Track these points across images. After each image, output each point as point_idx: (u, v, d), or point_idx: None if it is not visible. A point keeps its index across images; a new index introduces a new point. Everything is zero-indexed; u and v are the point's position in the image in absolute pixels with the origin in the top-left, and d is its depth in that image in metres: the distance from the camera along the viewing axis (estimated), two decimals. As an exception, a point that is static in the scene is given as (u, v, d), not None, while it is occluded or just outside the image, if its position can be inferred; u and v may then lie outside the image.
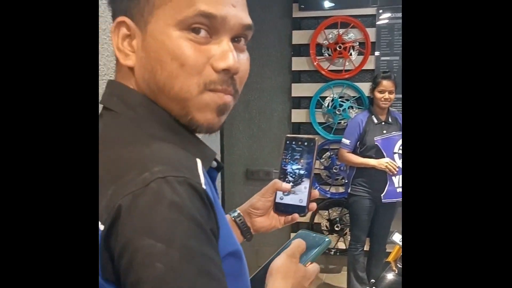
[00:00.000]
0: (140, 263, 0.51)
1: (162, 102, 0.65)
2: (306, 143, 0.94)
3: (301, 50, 3.71)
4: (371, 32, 3.57)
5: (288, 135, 0.98)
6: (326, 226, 3.83)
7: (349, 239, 3.49)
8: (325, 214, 3.82)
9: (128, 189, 0.54)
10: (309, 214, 3.82)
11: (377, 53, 3.59)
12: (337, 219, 3.78)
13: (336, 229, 3.77)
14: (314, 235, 0.86)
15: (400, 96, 3.48)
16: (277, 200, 0.93)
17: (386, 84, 3.03)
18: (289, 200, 0.93)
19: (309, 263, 0.79)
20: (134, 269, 0.51)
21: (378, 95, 3.05)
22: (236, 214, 0.94)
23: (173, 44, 0.61)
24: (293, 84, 3.77)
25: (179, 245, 0.52)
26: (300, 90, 3.75)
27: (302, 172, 0.93)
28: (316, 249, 0.82)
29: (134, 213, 0.53)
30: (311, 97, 3.71)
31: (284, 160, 0.95)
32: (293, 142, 0.95)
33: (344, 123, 3.62)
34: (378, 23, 3.55)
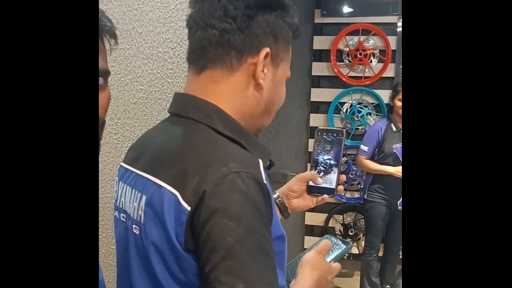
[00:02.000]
0: (216, 235, 0.66)
1: (255, 116, 0.85)
2: (335, 134, 1.06)
3: (321, 56, 3.75)
4: (392, 40, 3.60)
5: (320, 127, 1.09)
6: (340, 231, 3.86)
7: (363, 245, 3.53)
8: (340, 218, 3.86)
9: (211, 179, 0.69)
10: (323, 218, 3.86)
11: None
12: (351, 224, 3.81)
13: (350, 234, 3.81)
14: (338, 239, 1.02)
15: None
16: (310, 183, 1.07)
17: (406, 92, 3.05)
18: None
19: (333, 262, 0.93)
20: (211, 239, 0.67)
21: (398, 103, 3.08)
22: (276, 196, 1.09)
23: (284, 90, 0.89)
24: (312, 89, 3.80)
25: (245, 224, 0.67)
26: (319, 95, 3.79)
27: (332, 162, 1.05)
28: (340, 251, 0.97)
29: (215, 197, 0.68)
30: (330, 102, 3.75)
31: (317, 151, 1.07)
32: (324, 134, 1.07)
33: (362, 129, 3.65)
34: (399, 30, 3.58)
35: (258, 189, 0.71)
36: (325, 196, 1.06)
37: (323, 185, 1.05)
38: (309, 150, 3.86)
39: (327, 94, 3.76)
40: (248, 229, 0.67)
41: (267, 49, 0.80)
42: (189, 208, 0.69)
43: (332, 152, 1.06)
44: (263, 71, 0.81)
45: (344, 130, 1.07)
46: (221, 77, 0.81)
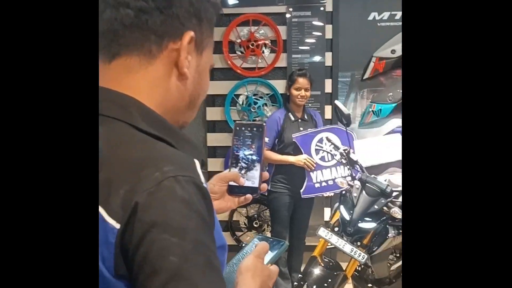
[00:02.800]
0: (156, 256, 0.56)
1: (179, 111, 0.74)
2: (255, 128, 0.99)
3: (214, 48, 3.65)
4: (282, 30, 3.62)
5: (238, 121, 1.05)
6: (244, 224, 3.84)
7: (268, 236, 3.54)
8: (244, 211, 3.83)
9: (142, 187, 0.58)
10: (227, 213, 3.80)
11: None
12: (256, 215, 3.81)
13: (255, 226, 3.80)
14: (272, 239, 0.94)
15: (317, 93, 3.59)
16: (231, 183, 0.99)
17: (302, 81, 3.09)
18: None
19: (270, 264, 0.86)
20: (150, 261, 0.56)
21: (294, 92, 3.11)
22: None
23: (208, 81, 0.78)
24: (206, 82, 3.70)
25: (191, 237, 0.58)
26: (214, 88, 3.70)
27: (254, 157, 0.98)
28: (276, 252, 0.90)
29: (150, 209, 0.57)
30: (226, 94, 3.68)
31: (236, 146, 0.99)
32: (243, 128, 1.00)
33: (259, 120, 3.65)
34: (288, 21, 3.62)
35: (199, 195, 0.62)
36: (249, 196, 0.99)
37: (246, 184, 0.99)
38: (208, 145, 3.78)
39: (222, 87, 3.69)
40: (195, 243, 0.58)
41: (191, 33, 0.69)
42: (117, 226, 0.58)
43: (253, 146, 0.99)
44: (187, 58, 0.70)
45: (264, 124, 1.01)
46: (138, 66, 0.69)
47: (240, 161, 0.99)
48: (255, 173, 0.99)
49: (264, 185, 1.00)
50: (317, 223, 3.55)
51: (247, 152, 0.99)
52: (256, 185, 0.98)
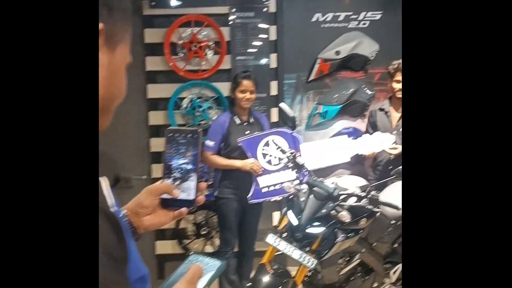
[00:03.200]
0: None
1: None
2: (190, 135, 0.90)
3: (155, 50, 3.52)
4: (226, 31, 3.54)
5: (170, 128, 0.92)
6: (192, 231, 3.72)
7: (217, 243, 3.44)
8: (191, 218, 3.71)
9: None
10: (173, 222, 3.66)
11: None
12: (203, 222, 3.70)
13: (203, 233, 3.69)
14: (207, 258, 0.86)
15: (262, 95, 3.53)
16: (164, 196, 0.90)
17: (246, 84, 3.02)
18: None
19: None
20: None
21: (239, 95, 3.03)
22: (121, 215, 0.86)
23: (124, 81, 0.69)
24: (148, 85, 3.56)
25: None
26: (156, 91, 3.56)
27: (189, 167, 0.89)
28: (212, 274, 0.82)
29: None
30: (169, 98, 3.55)
31: (169, 154, 0.90)
32: (177, 135, 0.91)
33: (205, 124, 3.54)
34: (231, 22, 3.53)
35: (105, 224, 0.54)
36: (184, 209, 0.91)
37: (180, 196, 0.90)
38: (151, 151, 3.63)
39: (165, 90, 3.56)
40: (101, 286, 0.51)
41: (100, 25, 0.61)
42: None
43: (188, 154, 0.90)
44: None
45: (201, 129, 0.92)
46: None
47: (174, 171, 0.90)
48: (191, 184, 0.90)
49: (201, 198, 0.91)
50: (267, 227, 3.50)
51: (181, 161, 0.90)
52: (191, 197, 0.90)
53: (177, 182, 0.90)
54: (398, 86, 3.13)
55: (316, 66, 3.62)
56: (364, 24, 3.61)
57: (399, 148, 3.07)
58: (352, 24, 3.61)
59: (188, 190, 0.90)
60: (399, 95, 3.15)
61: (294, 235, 2.33)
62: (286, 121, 2.58)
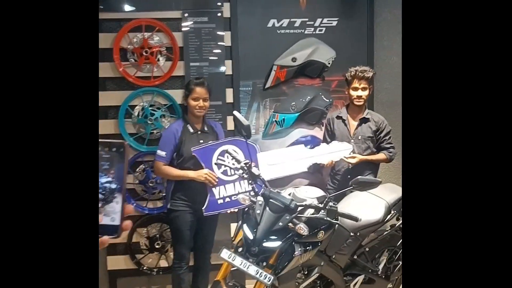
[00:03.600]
0: None
1: None
2: (114, 149, 0.79)
3: (104, 55, 3.33)
4: (178, 37, 3.40)
5: (100, 140, 0.80)
6: (145, 245, 3.54)
7: (171, 257, 3.28)
8: (144, 231, 3.53)
9: None
10: (125, 234, 3.48)
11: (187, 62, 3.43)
12: (157, 236, 3.53)
13: (157, 247, 3.52)
14: None
15: (218, 103, 3.41)
16: None
17: (199, 91, 2.89)
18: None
19: None
20: None
21: (192, 102, 2.90)
22: None
23: None
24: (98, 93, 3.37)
25: None
26: (106, 98, 3.38)
27: (113, 186, 0.78)
28: None
29: None
30: (119, 106, 3.37)
31: None
32: (99, 149, 0.78)
33: (157, 133, 3.39)
34: (184, 27, 3.40)
35: None
36: (105, 238, 0.78)
37: (103, 222, 0.77)
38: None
39: (115, 98, 3.37)
40: None
41: None
42: None
43: (112, 172, 0.78)
44: None
45: (127, 142, 0.81)
46: None
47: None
48: (115, 206, 0.78)
49: (128, 223, 0.79)
50: (225, 238, 3.37)
51: (103, 180, 0.78)
52: (116, 222, 0.78)
53: (100, 204, 0.77)
54: (356, 93, 3.08)
55: (273, 73, 3.53)
56: (320, 30, 3.55)
57: (357, 157, 3.02)
58: (308, 31, 3.54)
59: (112, 213, 0.77)
60: (357, 102, 3.10)
61: (250, 249, 2.21)
62: (241, 130, 2.46)
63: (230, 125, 3.48)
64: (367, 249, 2.69)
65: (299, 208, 2.25)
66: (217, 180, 2.90)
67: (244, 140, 2.65)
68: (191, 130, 2.95)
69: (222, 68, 3.47)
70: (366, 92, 3.09)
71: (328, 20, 3.55)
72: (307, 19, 3.53)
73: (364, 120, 3.15)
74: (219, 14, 3.43)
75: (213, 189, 2.91)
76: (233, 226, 3.56)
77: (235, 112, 2.50)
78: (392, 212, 2.73)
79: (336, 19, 3.56)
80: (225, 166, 2.90)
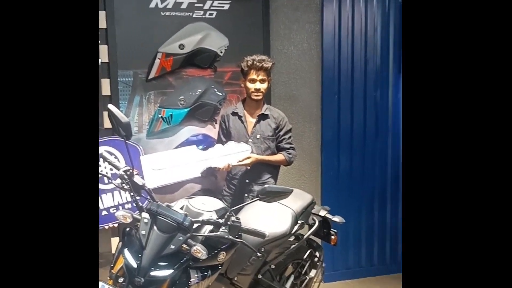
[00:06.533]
0: None
1: None
2: None
3: None
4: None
5: None
6: None
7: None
8: None
9: None
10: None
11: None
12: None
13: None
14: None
15: None
16: None
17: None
18: None
19: None
20: None
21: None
22: None
23: None
24: None
25: None
26: None
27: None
28: None
29: None
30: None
31: None
32: None
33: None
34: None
35: None
36: None
37: None
38: None
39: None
40: None
41: None
42: None
43: None
44: None
45: None
46: None
47: None
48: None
49: None
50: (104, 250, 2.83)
51: None
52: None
53: None
54: (253, 86, 2.72)
55: (157, 62, 3.04)
56: (210, 14, 3.14)
57: (252, 157, 2.66)
58: (197, 14, 3.11)
59: None
60: (255, 96, 2.74)
61: (133, 280, 1.73)
62: (118, 128, 1.93)
63: (107, 123, 2.92)
64: (272, 266, 2.34)
65: (195, 225, 1.83)
66: (90, 191, 2.35)
67: (124, 140, 2.13)
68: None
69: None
70: (265, 85, 2.75)
71: (219, 3, 3.15)
72: (195, 1, 3.09)
73: (263, 117, 2.81)
74: (90, -11, 2.86)
75: (86, 202, 2.36)
76: (115, 241, 3.01)
77: (110, 106, 1.96)
78: (299, 222, 2.41)
79: (228, 1, 3.17)
80: (102, 171, 2.36)
